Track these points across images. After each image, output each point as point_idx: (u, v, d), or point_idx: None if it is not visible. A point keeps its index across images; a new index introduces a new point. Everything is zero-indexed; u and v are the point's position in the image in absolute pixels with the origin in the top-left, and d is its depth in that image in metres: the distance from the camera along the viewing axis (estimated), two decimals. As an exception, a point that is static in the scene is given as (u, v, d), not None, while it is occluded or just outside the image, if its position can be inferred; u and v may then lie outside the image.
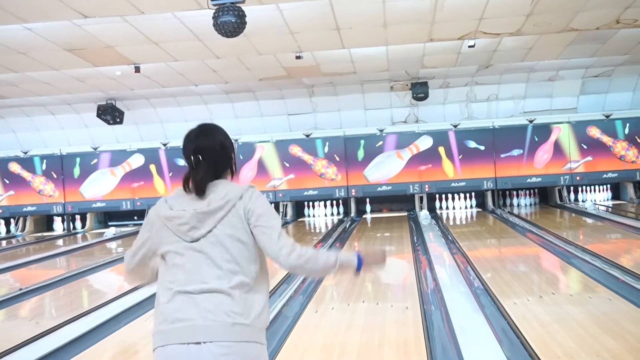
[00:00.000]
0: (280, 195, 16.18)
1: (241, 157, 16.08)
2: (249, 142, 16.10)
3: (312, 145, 16.13)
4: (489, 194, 16.26)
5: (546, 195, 16.69)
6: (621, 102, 15.97)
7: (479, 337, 5.37)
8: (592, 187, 16.43)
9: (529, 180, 16.04)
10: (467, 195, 16.50)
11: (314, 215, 16.65)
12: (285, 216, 16.31)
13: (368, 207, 16.82)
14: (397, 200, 16.53)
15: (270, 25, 9.92)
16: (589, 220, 13.66)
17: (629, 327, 5.38)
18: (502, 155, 15.96)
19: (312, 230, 14.90)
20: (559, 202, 16.18)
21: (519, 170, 15.96)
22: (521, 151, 15.95)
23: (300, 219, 16.45)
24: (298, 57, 11.86)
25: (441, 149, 15.99)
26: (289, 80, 14.29)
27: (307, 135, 16.10)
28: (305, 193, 16.22)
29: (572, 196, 16.41)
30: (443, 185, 16.07)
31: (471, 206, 16.46)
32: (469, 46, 11.71)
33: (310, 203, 16.70)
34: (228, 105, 15.84)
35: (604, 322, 5.56)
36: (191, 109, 16.00)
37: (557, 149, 15.91)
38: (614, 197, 16.44)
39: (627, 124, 15.80)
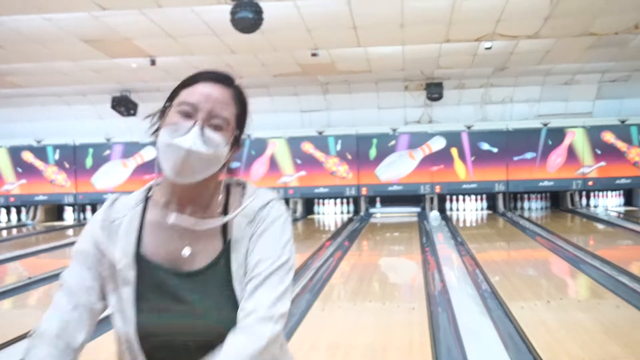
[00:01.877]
0: (291, 192, 16.19)
1: (253, 153, 16.11)
2: (261, 138, 16.10)
3: (324, 142, 16.12)
4: (500, 196, 16.21)
5: (558, 199, 16.61)
6: (637, 107, 15.88)
7: (485, 341, 5.37)
8: (605, 193, 16.36)
9: (541, 184, 15.98)
10: (478, 197, 16.45)
11: (323, 213, 16.65)
12: (295, 213, 16.33)
13: (378, 206, 16.81)
14: (408, 200, 16.50)
15: (287, 22, 9.93)
16: (600, 226, 13.61)
17: (635, 335, 5.37)
18: (515, 158, 15.90)
19: (322, 228, 14.91)
20: (570, 206, 16.12)
21: (531, 173, 15.89)
22: (534, 154, 15.88)
23: (310, 216, 16.46)
24: (314, 55, 11.87)
25: (454, 150, 15.95)
26: (303, 77, 14.30)
27: (320, 133, 16.10)
28: (316, 190, 16.22)
29: (584, 201, 16.33)
30: (454, 186, 16.04)
31: (482, 208, 16.41)
32: (486, 48, 11.69)
33: (321, 200, 16.70)
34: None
35: (611, 329, 5.54)
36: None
37: (571, 153, 15.84)
38: (627, 204, 16.35)
39: (643, 131, 15.74)
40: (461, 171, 15.96)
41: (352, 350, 5.18)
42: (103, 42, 10.79)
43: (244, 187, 2.06)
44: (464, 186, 16.05)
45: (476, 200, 16.48)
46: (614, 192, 16.35)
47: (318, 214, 16.68)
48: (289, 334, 5.75)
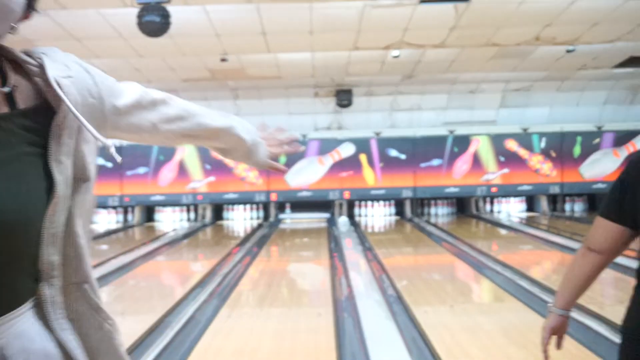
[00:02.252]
0: (200, 197, 16.04)
1: (161, 158, 15.88)
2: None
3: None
4: (408, 202, 16.46)
5: (463, 205, 16.99)
6: (539, 116, 16.41)
7: (389, 346, 5.43)
8: (508, 199, 16.82)
9: (447, 190, 16.31)
10: (386, 203, 16.67)
11: (233, 219, 16.55)
12: (204, 219, 16.19)
13: (288, 212, 16.83)
14: (317, 206, 16.58)
15: (196, 27, 9.84)
16: (503, 232, 14.00)
17: (533, 338, 5.52)
18: (422, 165, 16.19)
19: (231, 234, 14.82)
20: (475, 212, 16.51)
21: (438, 180, 16.21)
22: (441, 161, 16.21)
23: (219, 222, 16.34)
24: (223, 60, 11.81)
25: (363, 157, 16.11)
26: (213, 82, 14.20)
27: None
28: (225, 196, 16.11)
29: (488, 207, 16.76)
30: (363, 192, 16.21)
31: (390, 214, 16.63)
32: (394, 56, 11.87)
33: (230, 206, 16.60)
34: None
35: (510, 332, 5.70)
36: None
37: (476, 160, 16.23)
38: (528, 209, 16.86)
39: (544, 138, 16.24)
40: (370, 177, 16.14)
41: (257, 357, 5.16)
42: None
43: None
44: (373, 192, 16.23)
45: (384, 206, 16.68)
46: (516, 198, 16.83)
47: (227, 219, 16.57)
48: (194, 340, 5.69)
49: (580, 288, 2.42)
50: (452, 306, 6.83)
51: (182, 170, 15.99)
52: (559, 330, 2.45)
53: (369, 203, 16.58)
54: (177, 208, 16.43)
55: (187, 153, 15.95)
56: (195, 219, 16.34)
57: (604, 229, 2.31)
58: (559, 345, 2.47)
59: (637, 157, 2.26)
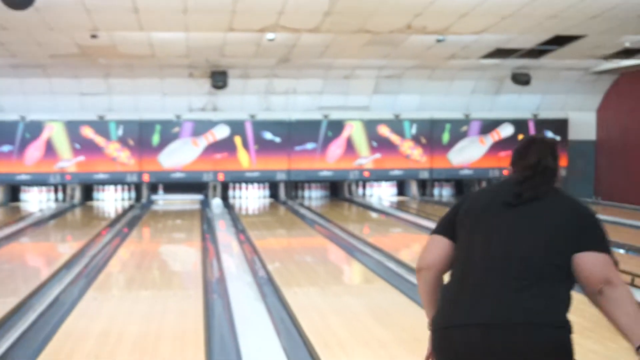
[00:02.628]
0: (68, 177, 15.55)
1: (27, 136, 15.27)
2: (37, 121, 15.28)
3: (105, 127, 15.61)
4: (282, 185, 16.54)
5: (336, 189, 17.22)
6: (410, 103, 16.81)
7: (258, 327, 5.46)
8: (379, 183, 17.19)
9: (321, 173, 16.49)
10: (261, 185, 16.69)
11: (103, 200, 16.15)
12: (73, 199, 15.72)
13: (160, 193, 16.59)
14: (191, 187, 16.41)
15: (64, 1, 9.49)
16: (374, 215, 14.32)
17: (399, 318, 5.70)
18: (297, 148, 16.28)
19: (101, 215, 14.48)
20: (348, 196, 16.78)
21: (312, 163, 16.35)
22: (315, 145, 16.35)
23: (88, 203, 15.90)
24: (93, 36, 11.44)
25: (237, 139, 16.04)
26: (83, 59, 13.75)
27: (101, 117, 15.58)
28: (96, 176, 15.68)
29: (360, 191, 17.06)
30: (237, 174, 16.16)
31: (264, 197, 16.67)
32: (269, 39, 11.85)
33: (100, 187, 16.18)
34: (15, 81, 14.95)
35: (377, 313, 5.85)
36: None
37: (349, 144, 16.47)
38: (399, 194, 17.28)
39: (414, 125, 16.65)
40: (244, 160, 16.10)
41: (123, 340, 5.07)
42: None
43: None
44: (247, 174, 16.21)
45: (258, 188, 16.70)
46: (387, 183, 17.22)
47: (97, 200, 16.15)
48: (58, 322, 5.54)
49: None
50: (322, 288, 6.94)
51: (49, 149, 15.42)
52: None
53: (243, 185, 16.56)
54: (44, 188, 15.87)
55: (55, 131, 15.41)
56: (64, 200, 15.84)
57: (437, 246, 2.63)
58: None
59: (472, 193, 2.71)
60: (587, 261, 2.39)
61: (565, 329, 2.38)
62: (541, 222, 2.45)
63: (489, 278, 2.39)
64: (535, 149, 2.59)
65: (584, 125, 17.32)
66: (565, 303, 2.41)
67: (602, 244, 2.45)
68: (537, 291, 2.35)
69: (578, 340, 5.11)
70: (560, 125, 17.00)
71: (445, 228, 2.62)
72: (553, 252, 2.40)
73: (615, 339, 5.11)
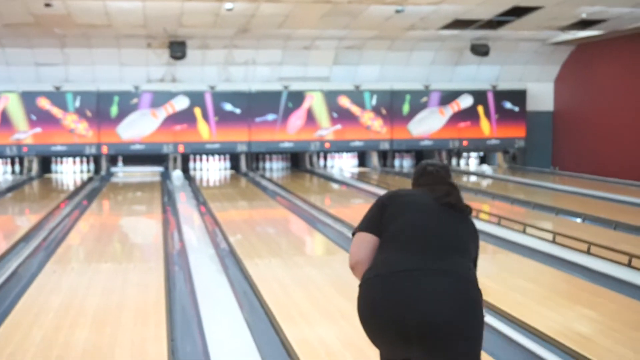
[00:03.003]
0: (25, 149, 15.30)
1: (-17, 107, 15.00)
2: (-8, 92, 15.03)
3: (62, 99, 15.37)
4: (243, 157, 16.48)
5: (298, 160, 17.21)
6: (370, 74, 16.81)
7: (220, 300, 5.47)
8: (340, 154, 17.21)
9: (281, 145, 16.46)
10: (221, 157, 16.61)
11: (62, 172, 15.95)
12: (30, 171, 15.49)
13: (120, 165, 16.43)
14: (151, 159, 16.28)
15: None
16: (335, 186, 14.35)
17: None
18: (257, 120, 16.22)
19: (59, 187, 14.31)
20: (309, 167, 16.78)
21: (272, 135, 16.30)
22: (275, 116, 16.29)
23: (47, 175, 15.70)
24: (47, 5, 11.20)
25: (197, 110, 15.92)
26: (37, 28, 13.47)
27: (57, 88, 15.33)
28: (53, 148, 15.46)
29: (321, 162, 17.07)
30: (197, 146, 16.05)
31: (225, 168, 16.60)
32: (228, 9, 11.74)
33: (59, 159, 15.97)
34: (-31, 51, 14.67)
35: (339, 284, 5.87)
36: None
37: (310, 116, 16.44)
38: (360, 165, 17.33)
39: (375, 96, 16.68)
40: (205, 131, 16.00)
41: (83, 313, 5.04)
42: None
43: None
44: (208, 146, 16.12)
45: (219, 160, 16.63)
46: (348, 154, 17.25)
47: (56, 172, 15.94)
48: (17, 296, 5.49)
49: None
50: (284, 260, 6.96)
51: (5, 120, 15.14)
52: None
53: (204, 157, 16.47)
54: (0, 160, 15.61)
55: (10, 102, 15.13)
56: (21, 172, 15.60)
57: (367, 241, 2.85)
58: None
59: (388, 192, 3.01)
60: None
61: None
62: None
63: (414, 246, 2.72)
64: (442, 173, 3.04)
65: (541, 96, 17.51)
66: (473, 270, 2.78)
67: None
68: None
69: (535, 308, 5.21)
70: (519, 96, 17.17)
71: (373, 226, 2.86)
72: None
73: (571, 306, 5.24)
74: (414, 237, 2.73)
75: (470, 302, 2.58)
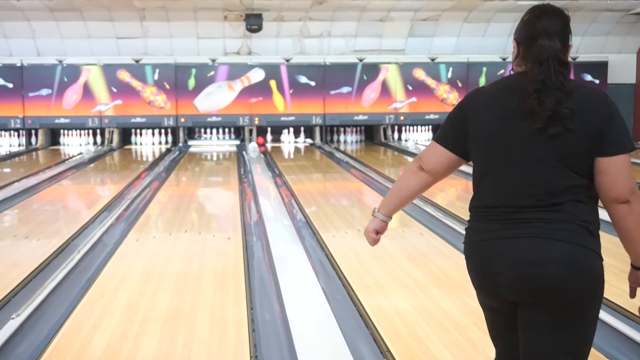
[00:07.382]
0: (106, 121, 15.71)
1: (66, 80, 15.42)
2: (74, 64, 15.42)
3: (142, 71, 15.70)
4: (318, 129, 16.56)
5: (372, 133, 17.20)
6: (446, 46, 16.62)
7: (297, 268, 5.55)
8: (415, 127, 17.11)
9: (356, 117, 16.47)
10: (296, 129, 16.72)
11: (141, 143, 16.33)
12: (112, 143, 15.90)
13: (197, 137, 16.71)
14: (228, 131, 16.53)
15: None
16: (410, 159, 14.28)
17: (435, 259, 5.75)
18: (332, 92, 16.25)
19: (139, 159, 14.65)
20: (383, 140, 16.75)
21: (347, 107, 16.32)
22: (350, 89, 16.30)
23: (127, 147, 16.09)
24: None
25: (272, 83, 16.05)
26: (118, 1, 13.77)
27: (137, 61, 15.66)
28: (133, 120, 15.84)
29: (395, 135, 17.01)
30: (273, 118, 16.20)
31: (299, 141, 16.71)
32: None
33: (138, 130, 16.34)
34: (52, 24, 15.05)
35: (414, 255, 5.91)
36: (11, 26, 15.07)
37: (384, 88, 16.39)
38: (434, 138, 17.16)
39: (450, 68, 16.51)
40: (280, 104, 16.13)
41: (165, 279, 5.20)
42: None
43: None
44: (283, 118, 16.25)
45: (294, 132, 16.74)
46: (423, 127, 17.13)
47: (135, 144, 16.33)
48: (102, 263, 5.68)
49: (405, 202, 2.71)
50: (359, 230, 6.99)
51: (87, 92, 15.58)
52: (379, 232, 2.75)
53: (279, 129, 16.61)
54: (82, 131, 16.07)
55: (92, 75, 15.53)
56: (102, 143, 16.03)
57: (438, 154, 2.54)
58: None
59: (474, 90, 2.55)
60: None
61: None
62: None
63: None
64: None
65: (623, 68, 17.01)
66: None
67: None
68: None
69: (615, 283, 5.12)
70: (600, 68, 16.72)
71: (455, 143, 2.50)
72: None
73: None
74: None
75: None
